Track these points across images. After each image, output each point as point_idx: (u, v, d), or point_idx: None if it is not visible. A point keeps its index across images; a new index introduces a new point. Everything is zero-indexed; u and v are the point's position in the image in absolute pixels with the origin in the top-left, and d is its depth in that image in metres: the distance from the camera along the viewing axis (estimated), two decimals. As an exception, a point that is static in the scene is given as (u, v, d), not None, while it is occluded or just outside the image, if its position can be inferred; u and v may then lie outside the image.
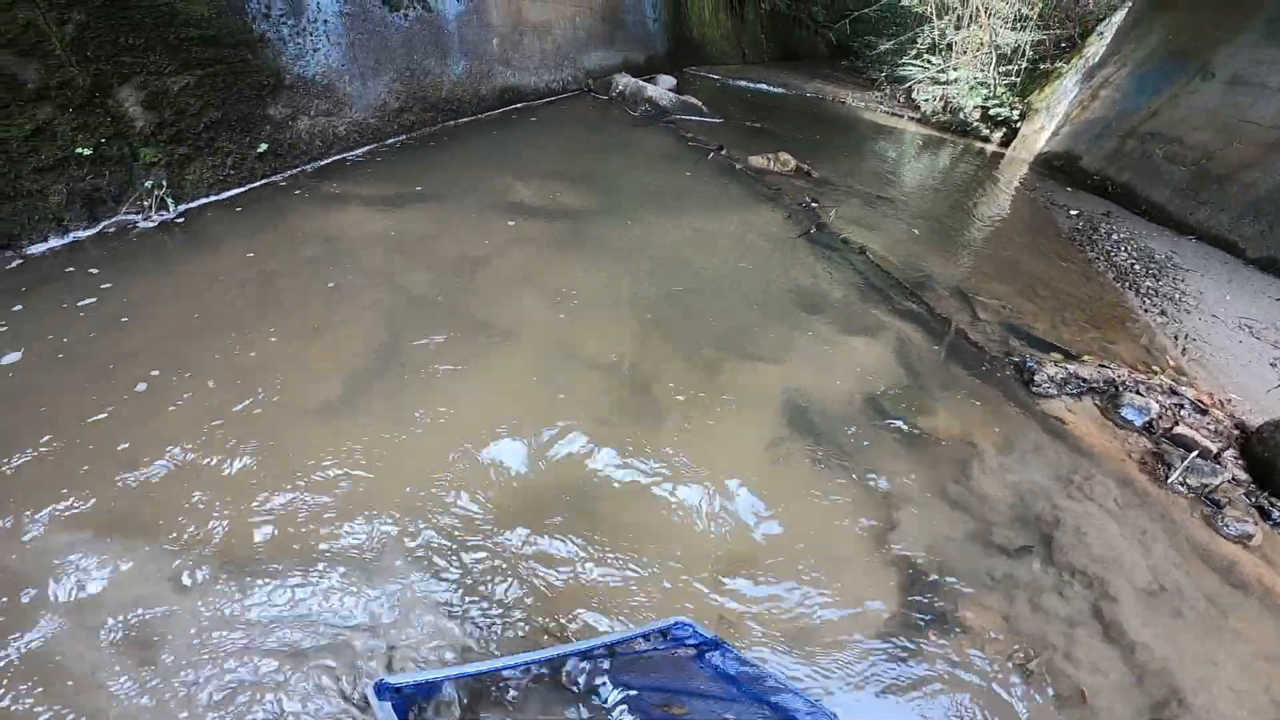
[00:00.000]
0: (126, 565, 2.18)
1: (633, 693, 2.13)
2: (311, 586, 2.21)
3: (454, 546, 2.42)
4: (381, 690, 1.59)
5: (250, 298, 3.57)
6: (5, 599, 2.04)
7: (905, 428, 3.42)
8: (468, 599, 2.25)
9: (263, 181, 4.74)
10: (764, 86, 11.20)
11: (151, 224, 4.02)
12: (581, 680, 2.06)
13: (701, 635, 2.16)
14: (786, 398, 3.46)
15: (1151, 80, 8.51)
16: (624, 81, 9.40)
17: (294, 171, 5.00)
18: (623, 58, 10.28)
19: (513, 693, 1.98)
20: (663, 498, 2.75)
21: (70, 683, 1.86)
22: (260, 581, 2.20)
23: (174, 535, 2.31)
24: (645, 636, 2.15)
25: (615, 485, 2.78)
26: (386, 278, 3.94)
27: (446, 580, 2.31)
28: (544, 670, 2.05)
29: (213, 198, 4.41)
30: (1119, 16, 9.00)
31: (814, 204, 6.05)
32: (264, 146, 4.75)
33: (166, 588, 2.15)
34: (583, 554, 2.47)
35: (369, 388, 3.10)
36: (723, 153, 7.24)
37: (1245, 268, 6.36)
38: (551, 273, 4.29)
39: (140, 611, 2.06)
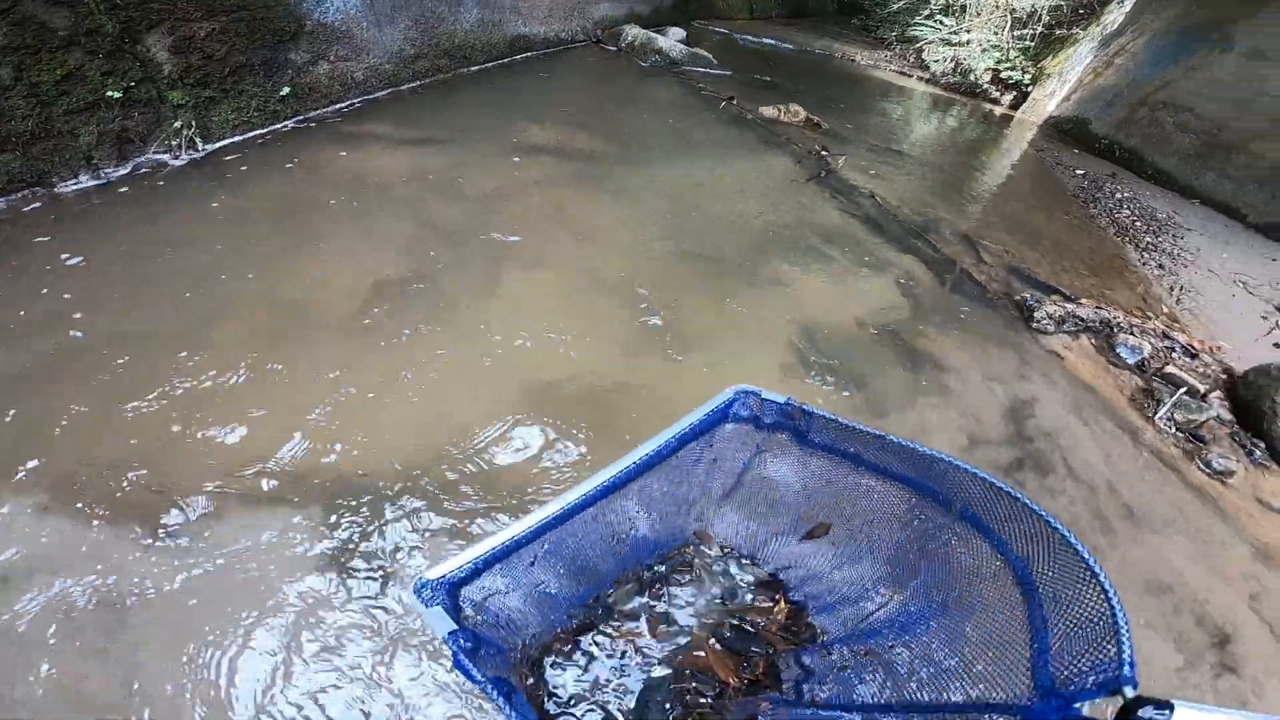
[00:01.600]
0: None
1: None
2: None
3: (473, 452, 2.56)
4: (422, 588, 1.36)
5: (281, 230, 3.63)
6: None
7: (911, 354, 3.55)
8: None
9: (286, 123, 4.81)
10: (772, 42, 11.09)
11: (180, 162, 4.09)
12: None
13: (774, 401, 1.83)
14: (797, 324, 3.58)
15: (1169, 51, 8.49)
16: (633, 32, 9.31)
17: (315, 114, 5.04)
18: (629, 9, 10.13)
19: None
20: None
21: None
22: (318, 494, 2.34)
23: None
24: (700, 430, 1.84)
25: (631, 399, 2.91)
26: (414, 211, 4.01)
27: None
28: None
29: (239, 138, 4.50)
30: (1139, -17, 8.93)
31: (824, 152, 6.10)
32: (286, 90, 4.84)
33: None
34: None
35: (403, 311, 3.20)
36: (734, 103, 7.23)
37: (1246, 231, 6.46)
38: (572, 209, 4.38)
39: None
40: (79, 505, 2.11)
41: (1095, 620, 1.21)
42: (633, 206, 4.53)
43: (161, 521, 2.09)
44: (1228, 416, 3.81)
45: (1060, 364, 3.79)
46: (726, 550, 2.28)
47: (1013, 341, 3.85)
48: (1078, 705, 1.11)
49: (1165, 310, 4.65)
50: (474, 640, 1.31)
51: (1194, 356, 4.22)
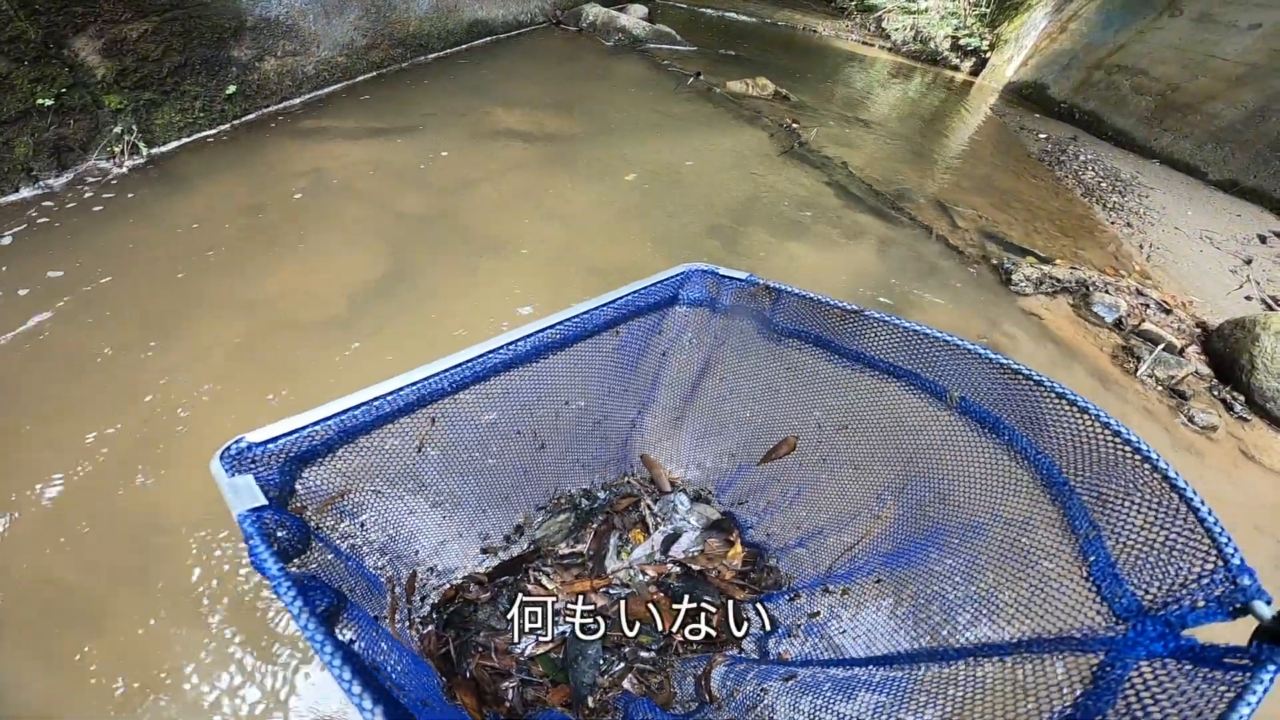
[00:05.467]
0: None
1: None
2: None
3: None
4: (235, 455, 0.94)
5: (242, 231, 3.46)
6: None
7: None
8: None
9: (236, 122, 4.61)
10: (734, 15, 10.99)
11: (124, 169, 3.89)
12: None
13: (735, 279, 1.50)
14: (777, 297, 3.52)
15: (1119, 15, 8.62)
16: (595, 11, 9.10)
17: (267, 111, 4.83)
18: (589, -13, 9.93)
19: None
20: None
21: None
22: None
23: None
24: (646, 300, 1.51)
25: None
26: (382, 204, 3.85)
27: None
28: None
29: (185, 140, 4.29)
30: (1090, -56, 8.99)
31: (794, 124, 6.04)
32: (233, 88, 4.62)
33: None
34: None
35: (379, 303, 3.07)
36: (700, 78, 7.12)
37: (1206, 188, 6.58)
38: (544, 192, 4.26)
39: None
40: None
41: (1167, 520, 0.91)
42: (607, 187, 4.42)
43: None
44: (1205, 370, 3.85)
45: (1040, 324, 3.80)
46: (675, 482, 1.98)
47: (993, 303, 3.85)
48: (1188, 631, 0.80)
49: (1137, 268, 4.71)
50: (298, 531, 0.90)
51: (1168, 312, 4.28)
